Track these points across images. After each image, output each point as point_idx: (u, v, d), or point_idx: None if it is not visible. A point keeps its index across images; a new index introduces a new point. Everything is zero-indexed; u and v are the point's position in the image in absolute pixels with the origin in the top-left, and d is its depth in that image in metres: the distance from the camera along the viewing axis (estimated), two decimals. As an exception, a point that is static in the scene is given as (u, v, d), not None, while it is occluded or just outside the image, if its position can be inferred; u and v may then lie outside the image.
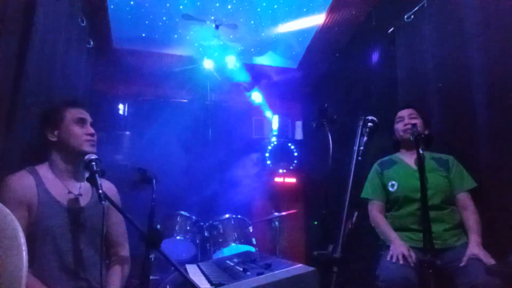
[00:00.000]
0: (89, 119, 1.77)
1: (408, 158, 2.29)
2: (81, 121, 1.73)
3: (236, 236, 3.24)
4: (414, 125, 2.02)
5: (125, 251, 1.91)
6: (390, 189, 2.25)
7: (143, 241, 1.32)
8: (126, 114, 4.63)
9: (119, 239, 1.90)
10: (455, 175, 2.14)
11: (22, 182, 1.58)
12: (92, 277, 1.65)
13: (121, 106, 4.53)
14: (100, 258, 1.60)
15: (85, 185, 1.74)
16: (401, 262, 1.91)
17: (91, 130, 1.74)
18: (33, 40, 1.84)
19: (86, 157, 1.60)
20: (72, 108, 1.75)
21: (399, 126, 2.31)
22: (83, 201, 1.72)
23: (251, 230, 3.40)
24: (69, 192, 1.68)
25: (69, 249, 1.60)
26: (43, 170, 1.68)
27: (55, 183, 1.66)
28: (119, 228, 1.90)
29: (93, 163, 1.57)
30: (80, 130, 1.71)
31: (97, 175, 1.54)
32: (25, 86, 1.79)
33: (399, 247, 1.99)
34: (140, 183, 1.80)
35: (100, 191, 1.48)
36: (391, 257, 1.96)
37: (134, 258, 1.93)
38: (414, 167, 2.22)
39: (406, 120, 2.27)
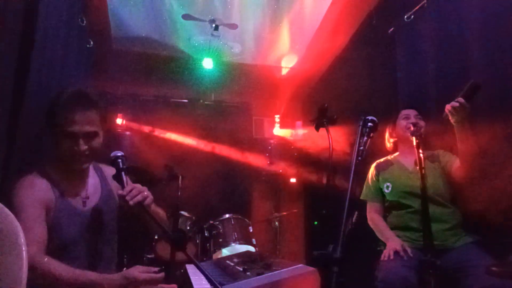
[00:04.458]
0: (82, 130, 1.47)
1: (405, 159, 2.30)
2: (71, 135, 1.47)
3: (236, 236, 3.24)
4: (415, 124, 2.05)
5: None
6: (386, 190, 2.26)
7: (169, 242, 1.30)
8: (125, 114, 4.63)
9: None
10: (447, 158, 2.17)
11: (38, 184, 1.48)
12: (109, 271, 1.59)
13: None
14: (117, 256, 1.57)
15: (92, 182, 1.66)
16: (391, 257, 1.94)
17: (82, 147, 1.48)
18: (33, 40, 1.84)
19: (112, 154, 1.54)
20: (67, 113, 1.47)
21: (403, 123, 2.27)
22: (93, 201, 1.63)
23: (251, 230, 3.40)
24: (78, 193, 1.60)
25: (86, 251, 1.54)
26: (53, 171, 1.56)
27: (65, 185, 1.56)
28: None
29: (119, 160, 1.50)
30: (69, 144, 1.48)
31: (123, 173, 1.47)
32: (25, 87, 1.79)
33: (392, 244, 2.02)
34: (167, 180, 1.74)
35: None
36: (384, 255, 1.98)
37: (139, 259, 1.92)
38: (411, 168, 2.23)
39: (413, 119, 2.24)
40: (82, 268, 1.47)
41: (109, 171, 1.69)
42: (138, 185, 1.49)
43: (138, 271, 1.36)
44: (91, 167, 1.66)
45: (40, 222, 1.42)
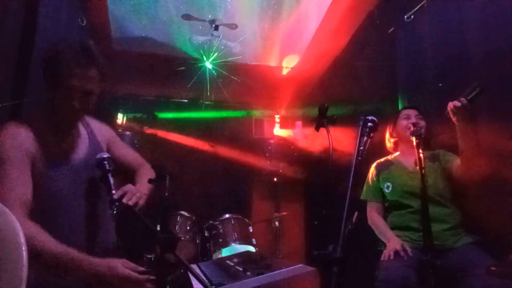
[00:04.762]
0: (80, 86, 1.39)
1: (405, 159, 2.30)
2: (67, 90, 1.38)
3: (236, 236, 3.24)
4: (415, 124, 2.08)
5: (148, 165, 1.80)
6: (386, 190, 2.26)
7: (158, 244, 1.27)
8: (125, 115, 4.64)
9: (137, 162, 1.78)
10: (448, 158, 2.17)
11: (22, 133, 1.38)
12: (105, 233, 1.55)
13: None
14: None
15: (80, 134, 1.58)
16: (392, 257, 1.94)
17: (76, 105, 1.39)
18: (33, 40, 1.85)
19: (98, 156, 1.51)
20: (67, 66, 1.37)
21: (403, 123, 2.27)
22: (82, 153, 1.54)
23: (251, 230, 3.40)
24: (65, 145, 1.51)
25: (79, 204, 1.47)
26: (40, 122, 1.45)
27: (51, 137, 1.46)
28: (131, 152, 1.80)
29: (105, 162, 1.48)
30: (63, 99, 1.40)
31: (109, 175, 1.45)
32: (26, 87, 1.79)
33: (392, 244, 2.02)
34: (154, 180, 1.72)
35: (114, 191, 1.40)
36: (384, 255, 1.99)
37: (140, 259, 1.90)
38: (411, 168, 2.23)
39: (413, 119, 2.23)
40: (78, 225, 1.43)
41: (96, 124, 1.67)
42: (130, 187, 1.47)
43: (124, 265, 1.29)
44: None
45: (24, 178, 1.32)
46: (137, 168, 1.76)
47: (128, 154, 1.79)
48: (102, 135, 1.65)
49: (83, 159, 1.53)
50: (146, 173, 1.73)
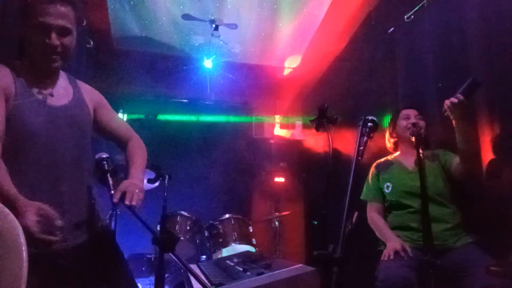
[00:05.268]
0: (56, 23, 1.36)
1: (405, 159, 2.30)
2: (43, 27, 1.35)
3: (236, 236, 3.24)
4: (414, 124, 2.08)
5: (138, 139, 1.73)
6: (386, 190, 2.26)
7: (157, 244, 1.23)
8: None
9: (126, 132, 1.72)
10: (447, 156, 2.17)
11: None
12: (71, 187, 1.44)
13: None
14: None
15: (63, 85, 1.54)
16: (391, 257, 1.94)
17: (54, 42, 1.36)
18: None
19: (97, 156, 1.50)
20: (41, 4, 1.35)
21: (403, 123, 2.27)
22: (63, 100, 1.49)
23: (251, 230, 3.40)
24: (45, 88, 1.46)
25: (48, 152, 1.39)
26: (20, 64, 1.44)
27: (30, 79, 1.43)
28: (119, 121, 1.75)
29: (104, 162, 1.47)
30: (40, 37, 1.36)
31: (108, 175, 1.44)
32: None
33: (392, 244, 2.02)
34: (153, 180, 1.68)
35: (112, 191, 1.38)
36: (384, 255, 1.99)
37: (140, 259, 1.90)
38: (410, 168, 2.23)
39: (413, 119, 2.24)
40: (45, 172, 1.37)
41: (84, 85, 1.63)
42: (126, 185, 1.42)
43: (36, 212, 1.17)
44: (64, 74, 1.55)
45: None
46: (126, 140, 1.69)
47: (116, 122, 1.72)
48: (89, 96, 1.60)
49: (62, 107, 1.47)
50: (137, 155, 1.65)
